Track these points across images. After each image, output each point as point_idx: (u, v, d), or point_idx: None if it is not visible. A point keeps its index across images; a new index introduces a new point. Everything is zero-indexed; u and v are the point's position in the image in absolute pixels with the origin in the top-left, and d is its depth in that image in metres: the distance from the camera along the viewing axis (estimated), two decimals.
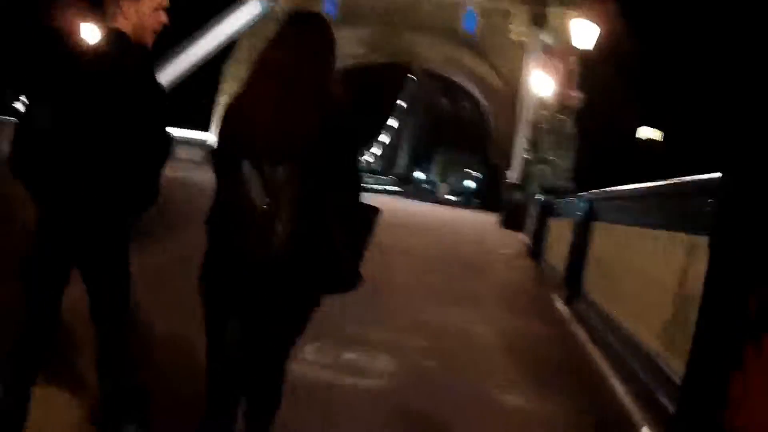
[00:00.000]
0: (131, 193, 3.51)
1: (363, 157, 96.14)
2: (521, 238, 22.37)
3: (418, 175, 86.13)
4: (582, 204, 10.63)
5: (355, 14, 54.97)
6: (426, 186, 75.33)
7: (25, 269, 3.56)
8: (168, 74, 44.28)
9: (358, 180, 3.31)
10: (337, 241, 3.16)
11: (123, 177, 3.43)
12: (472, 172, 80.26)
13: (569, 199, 13.73)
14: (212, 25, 48.83)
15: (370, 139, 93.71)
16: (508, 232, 25.58)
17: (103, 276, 3.58)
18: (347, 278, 3.25)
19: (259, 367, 3.38)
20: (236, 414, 3.38)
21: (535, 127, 30.67)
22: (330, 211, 3.15)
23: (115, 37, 3.52)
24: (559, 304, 10.23)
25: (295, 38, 3.25)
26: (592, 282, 9.30)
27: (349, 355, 6.15)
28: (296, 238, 3.07)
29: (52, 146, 3.41)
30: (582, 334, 8.17)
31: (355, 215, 3.25)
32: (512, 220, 27.13)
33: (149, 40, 3.64)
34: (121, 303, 3.66)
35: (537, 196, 17.36)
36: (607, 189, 9.73)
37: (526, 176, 30.31)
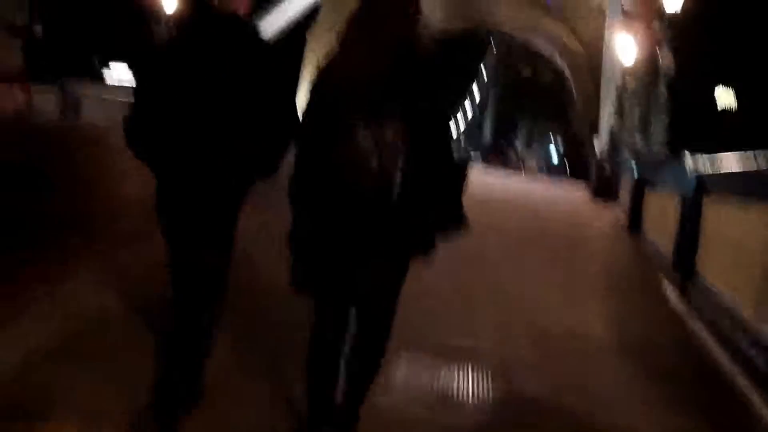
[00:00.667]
0: (253, 163, 3.62)
1: (454, 116, 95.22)
2: (614, 211, 21.22)
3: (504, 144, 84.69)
4: (690, 177, 9.53)
5: None
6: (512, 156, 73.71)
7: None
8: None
9: (449, 132, 3.48)
10: (440, 188, 3.34)
11: (245, 149, 3.53)
12: (556, 140, 78.37)
13: (669, 169, 12.60)
14: None
15: (458, 99, 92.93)
16: (600, 203, 24.36)
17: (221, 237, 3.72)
18: (455, 219, 3.42)
19: (375, 300, 3.48)
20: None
21: (622, 93, 28.99)
22: (431, 161, 3.27)
23: (224, 18, 3.53)
24: (671, 292, 9.17)
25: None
26: (710, 266, 8.22)
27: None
28: (410, 187, 3.22)
29: (171, 120, 3.47)
30: (702, 331, 7.16)
31: (451, 164, 3.39)
32: (603, 191, 25.94)
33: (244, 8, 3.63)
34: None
35: (631, 166, 16.14)
36: (719, 155, 8.65)
37: (614, 145, 28.79)
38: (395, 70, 3.17)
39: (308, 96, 3.28)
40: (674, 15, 20.21)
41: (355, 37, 3.25)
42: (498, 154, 67.47)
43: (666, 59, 14.22)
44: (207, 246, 3.64)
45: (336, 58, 3.27)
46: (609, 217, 19.64)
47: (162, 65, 3.51)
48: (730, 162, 8.04)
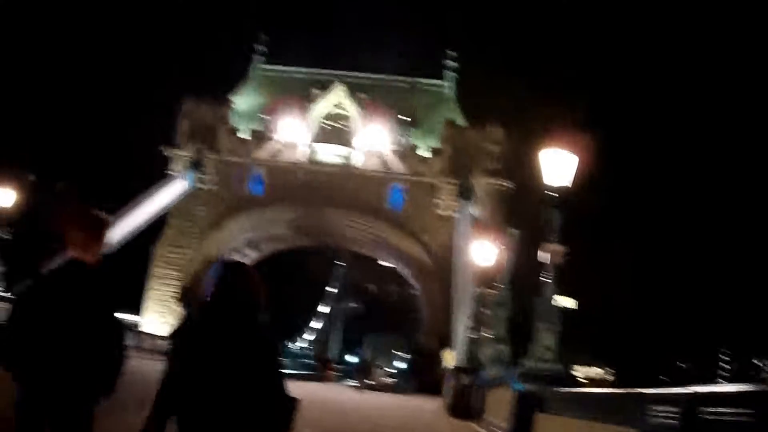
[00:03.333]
0: (95, 385, 4.48)
1: (296, 344, 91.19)
2: (477, 429, 17.40)
3: (350, 358, 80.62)
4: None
5: (281, 195, 51.12)
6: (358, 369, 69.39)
7: None
8: None
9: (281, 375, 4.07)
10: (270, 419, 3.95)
11: (89, 374, 4.40)
12: (402, 354, 75.15)
13: (580, 392, 8.91)
14: (139, 201, 43.87)
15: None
16: (459, 422, 20.41)
17: None
18: None
19: None
20: None
21: (480, 302, 25.86)
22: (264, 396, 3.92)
23: (81, 267, 4.60)
24: None
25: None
26: None
27: None
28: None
29: (35, 345, 4.35)
30: None
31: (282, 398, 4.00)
32: (461, 408, 22.19)
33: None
34: None
35: (516, 386, 12.50)
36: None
37: (472, 357, 25.31)
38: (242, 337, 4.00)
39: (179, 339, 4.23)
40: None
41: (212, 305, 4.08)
42: (344, 370, 62.99)
43: (557, 249, 11.70)
44: None
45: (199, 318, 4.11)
46: None
47: (30, 297, 4.48)
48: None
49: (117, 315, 4.59)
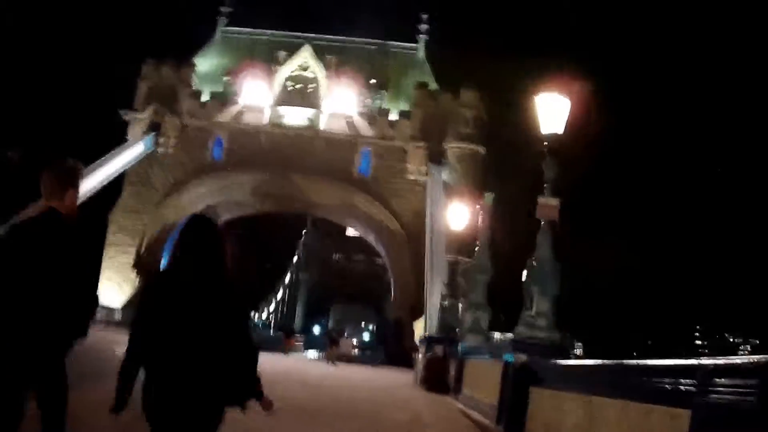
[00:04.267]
0: (69, 330, 4.65)
1: (259, 313, 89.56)
2: (456, 406, 15.94)
3: (315, 329, 79.25)
4: None
5: (244, 159, 48.84)
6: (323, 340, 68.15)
7: None
8: None
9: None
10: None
11: (64, 319, 4.55)
12: (369, 325, 73.85)
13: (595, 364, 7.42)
14: (95, 167, 41.51)
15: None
16: (434, 396, 18.97)
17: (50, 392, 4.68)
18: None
19: None
20: None
21: (455, 268, 24.35)
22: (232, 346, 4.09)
23: (55, 215, 4.71)
24: None
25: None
26: None
27: None
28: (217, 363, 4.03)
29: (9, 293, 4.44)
30: None
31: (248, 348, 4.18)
32: (436, 381, 20.75)
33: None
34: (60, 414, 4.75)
35: (506, 356, 10.98)
36: None
37: (446, 326, 23.86)
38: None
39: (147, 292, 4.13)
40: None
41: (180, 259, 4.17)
42: (309, 337, 61.56)
43: (554, 204, 10.39)
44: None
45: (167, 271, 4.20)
46: (455, 417, 14.23)
47: (6, 246, 4.55)
48: None
49: (89, 261, 4.75)
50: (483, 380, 14.14)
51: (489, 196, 21.79)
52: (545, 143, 11.83)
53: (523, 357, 10.33)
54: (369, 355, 46.43)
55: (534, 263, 11.33)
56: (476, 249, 21.36)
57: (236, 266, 4.30)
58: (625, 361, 6.82)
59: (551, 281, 11.24)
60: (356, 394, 17.76)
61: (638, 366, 6.16)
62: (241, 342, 4.08)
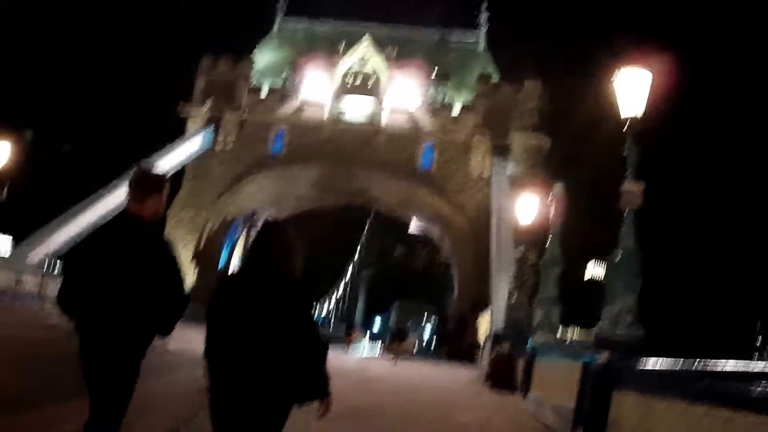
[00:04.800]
0: (154, 328, 4.75)
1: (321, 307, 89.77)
2: (524, 407, 15.09)
3: (376, 323, 78.78)
4: None
5: (304, 154, 48.61)
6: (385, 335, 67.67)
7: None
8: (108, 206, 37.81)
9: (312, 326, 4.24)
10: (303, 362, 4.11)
11: (145, 319, 4.65)
12: (430, 320, 73.00)
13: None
14: (153, 162, 41.44)
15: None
16: (500, 397, 18.09)
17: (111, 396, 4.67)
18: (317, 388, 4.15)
19: None
20: None
21: (524, 262, 23.37)
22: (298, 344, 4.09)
23: (137, 221, 4.84)
24: None
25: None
26: None
27: None
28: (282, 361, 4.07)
29: (93, 292, 4.62)
30: None
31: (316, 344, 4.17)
32: (502, 379, 19.91)
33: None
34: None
35: (585, 359, 10.05)
36: None
37: (512, 322, 22.94)
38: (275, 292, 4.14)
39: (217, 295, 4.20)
40: None
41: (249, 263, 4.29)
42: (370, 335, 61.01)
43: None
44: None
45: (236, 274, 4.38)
46: (527, 421, 13.35)
47: (88, 249, 4.79)
48: None
49: (174, 263, 4.78)
50: (556, 381, 13.21)
51: (560, 186, 20.89)
52: (626, 125, 10.90)
53: (605, 356, 9.40)
54: (430, 351, 45.70)
55: (618, 256, 10.39)
56: (547, 241, 20.43)
57: (303, 265, 4.30)
58: (750, 363, 5.92)
59: (636, 275, 10.29)
60: (419, 396, 16.93)
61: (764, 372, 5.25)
62: (308, 340, 4.10)
